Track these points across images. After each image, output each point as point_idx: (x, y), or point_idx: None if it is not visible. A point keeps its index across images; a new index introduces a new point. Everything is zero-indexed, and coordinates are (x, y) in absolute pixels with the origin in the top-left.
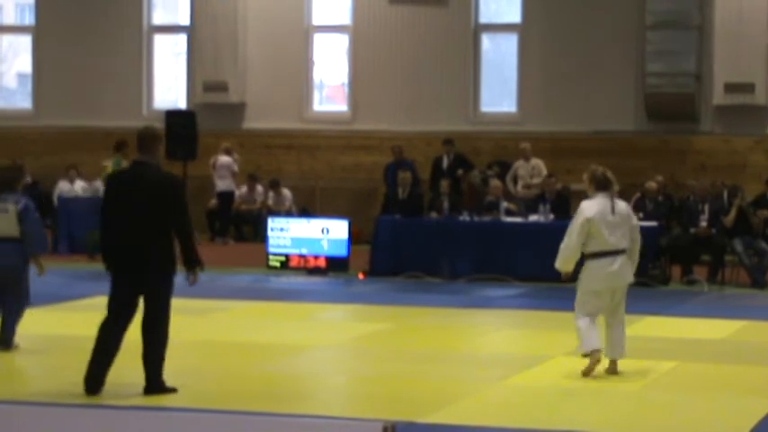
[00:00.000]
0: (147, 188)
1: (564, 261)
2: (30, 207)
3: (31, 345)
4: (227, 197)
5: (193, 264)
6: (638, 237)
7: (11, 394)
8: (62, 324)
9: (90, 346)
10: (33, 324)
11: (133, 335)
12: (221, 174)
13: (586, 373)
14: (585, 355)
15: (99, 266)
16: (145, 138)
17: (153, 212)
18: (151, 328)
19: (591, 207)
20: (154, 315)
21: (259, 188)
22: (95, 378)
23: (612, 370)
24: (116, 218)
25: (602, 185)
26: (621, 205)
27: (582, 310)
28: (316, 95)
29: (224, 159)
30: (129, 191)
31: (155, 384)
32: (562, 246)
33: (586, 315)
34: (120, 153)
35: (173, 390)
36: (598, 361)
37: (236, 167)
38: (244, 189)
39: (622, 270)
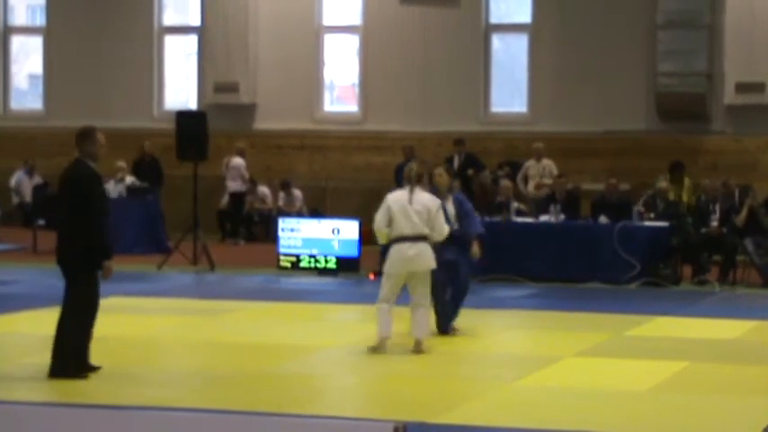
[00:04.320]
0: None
1: None
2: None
3: (34, 345)
4: (238, 198)
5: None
6: None
7: (13, 395)
8: None
9: (99, 346)
10: (38, 325)
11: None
12: (232, 175)
13: None
14: None
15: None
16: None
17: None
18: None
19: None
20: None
21: (265, 190)
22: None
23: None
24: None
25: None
26: None
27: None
28: (326, 96)
29: (237, 161)
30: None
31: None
32: None
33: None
34: None
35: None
36: None
37: (244, 171)
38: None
39: None
